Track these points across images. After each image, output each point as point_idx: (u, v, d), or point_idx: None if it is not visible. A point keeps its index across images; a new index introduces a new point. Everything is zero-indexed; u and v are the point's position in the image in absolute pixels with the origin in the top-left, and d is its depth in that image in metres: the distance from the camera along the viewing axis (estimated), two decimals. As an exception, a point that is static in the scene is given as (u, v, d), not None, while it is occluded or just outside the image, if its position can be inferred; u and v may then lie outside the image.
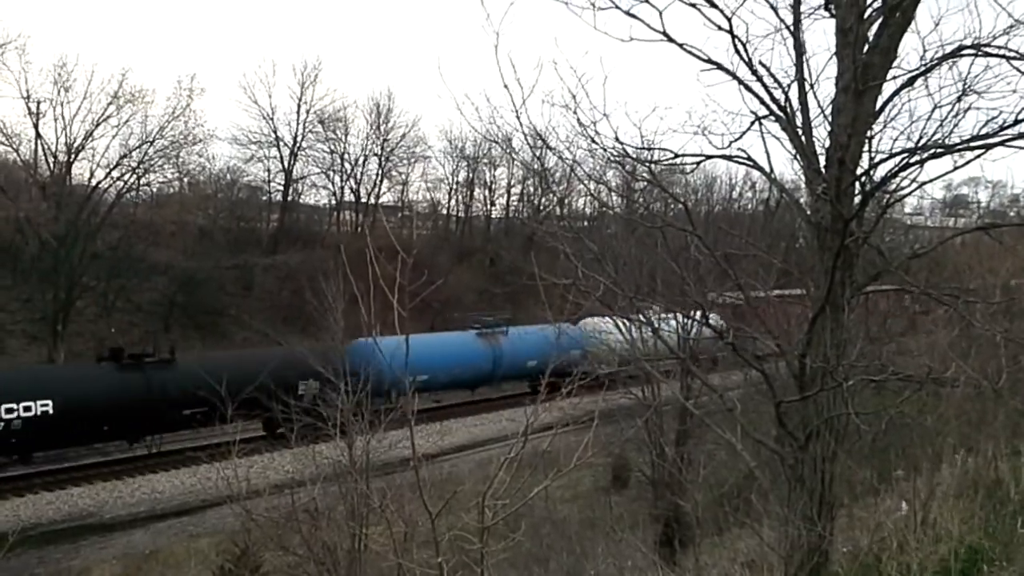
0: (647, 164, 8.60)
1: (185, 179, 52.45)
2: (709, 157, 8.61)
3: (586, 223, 44.14)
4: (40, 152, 44.91)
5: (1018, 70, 6.88)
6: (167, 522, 26.07)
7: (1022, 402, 10.78)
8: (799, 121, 8.01)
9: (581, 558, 16.00)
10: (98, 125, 44.23)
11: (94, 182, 45.45)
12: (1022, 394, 11.36)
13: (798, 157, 8.09)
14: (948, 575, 4.93)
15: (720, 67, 8.01)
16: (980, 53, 7.08)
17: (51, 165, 44.59)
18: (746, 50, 7.85)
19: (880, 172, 7.51)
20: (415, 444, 4.62)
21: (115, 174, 45.47)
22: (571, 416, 6.69)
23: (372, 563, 12.75)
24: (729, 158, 8.49)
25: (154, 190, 51.19)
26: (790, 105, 8.00)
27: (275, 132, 57.09)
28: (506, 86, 7.64)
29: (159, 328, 43.65)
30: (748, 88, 8.07)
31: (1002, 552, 5.01)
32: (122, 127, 44.96)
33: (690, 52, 7.97)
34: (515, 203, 69.84)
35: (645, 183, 10.30)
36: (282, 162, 58.14)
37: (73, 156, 44.42)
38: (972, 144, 7.09)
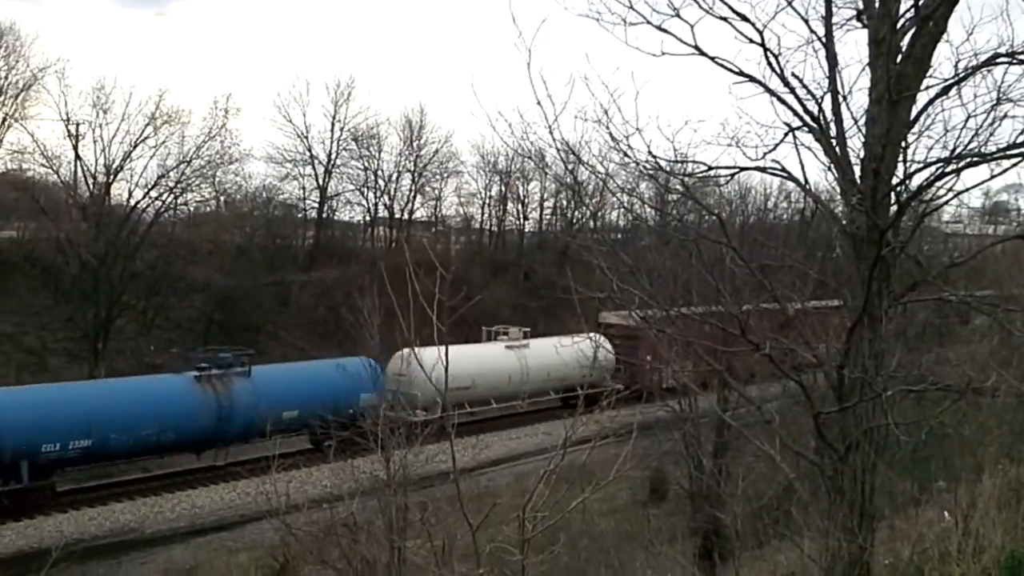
0: (680, 177, 8.64)
1: (222, 198, 53.09)
2: (743, 169, 8.64)
3: (619, 236, 44.08)
4: (80, 173, 45.69)
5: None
6: (207, 537, 26.31)
7: (1065, 411, 10.67)
8: (833, 132, 8.01)
9: (620, 571, 15.97)
10: (136, 146, 44.95)
11: (132, 202, 46.15)
12: (1065, 403, 11.23)
13: (832, 168, 8.09)
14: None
15: (752, 79, 8.04)
16: (1014, 61, 7.07)
17: (90, 186, 45.32)
18: (778, 62, 7.89)
19: (915, 182, 7.51)
20: (455, 457, 4.67)
21: (153, 194, 46.14)
22: (608, 429, 6.73)
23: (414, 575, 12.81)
24: (763, 170, 8.52)
25: (191, 209, 51.83)
26: (823, 116, 8.01)
27: (309, 150, 57.64)
28: (539, 102, 7.72)
29: (198, 345, 44.17)
30: (781, 100, 8.10)
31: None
32: (159, 147, 45.65)
33: (722, 65, 8.02)
34: (548, 217, 69.93)
35: (679, 195, 10.32)
36: (316, 180, 58.67)
37: (112, 177, 45.14)
38: (1009, 153, 7.07)
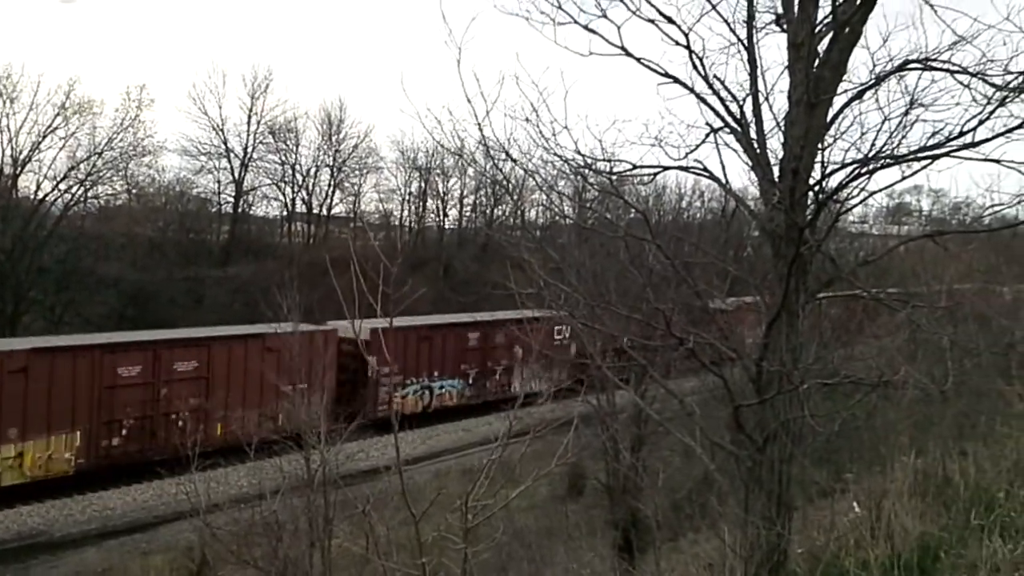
0: (607, 175, 8.79)
1: (134, 191, 51.91)
2: (667, 168, 8.82)
3: (539, 233, 44.25)
4: (-15, 165, 44.23)
5: (962, 84, 7.18)
6: (119, 539, 25.65)
7: (967, 404, 11.14)
8: (754, 133, 8.25)
9: (541, 566, 16.15)
10: (45, 137, 43.77)
11: (41, 195, 44.86)
12: (967, 397, 11.73)
13: (753, 168, 8.33)
14: (904, 567, 5.14)
15: (677, 81, 8.24)
16: (926, 67, 7.38)
17: (-4, 178, 43.92)
18: (702, 64, 8.09)
19: (832, 182, 7.77)
20: (399, 449, 4.72)
21: (62, 186, 45.00)
22: (535, 426, 6.83)
23: (336, 574, 12.79)
24: (686, 169, 8.71)
25: (102, 202, 50.63)
26: (745, 117, 8.24)
27: (225, 143, 56.74)
28: (469, 100, 7.81)
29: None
30: (704, 101, 8.31)
31: (957, 542, 5.24)
32: (69, 139, 44.53)
33: (648, 66, 8.19)
34: (468, 213, 70.02)
35: (598, 193, 10.48)
36: (232, 173, 57.74)
37: (19, 169, 43.83)
38: (919, 155, 7.39)
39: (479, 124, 7.94)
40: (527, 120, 8.19)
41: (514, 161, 8.54)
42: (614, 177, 9.04)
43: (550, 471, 4.99)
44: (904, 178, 7.81)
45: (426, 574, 4.45)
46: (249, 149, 57.54)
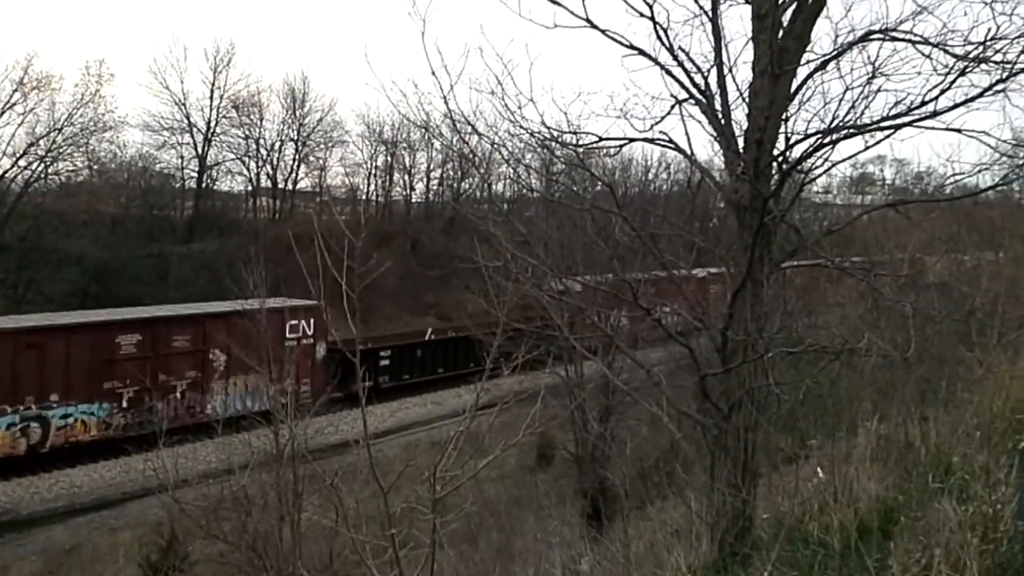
0: (572, 148, 8.81)
1: (95, 167, 51.12)
2: (632, 140, 8.84)
3: (506, 206, 44.33)
4: (-58, 142, 43.43)
5: (923, 54, 7.26)
6: (87, 516, 25.58)
7: (929, 370, 11.33)
8: (718, 104, 8.29)
9: (510, 535, 16.27)
10: (3, 113, 42.95)
11: (0, 171, 44.10)
12: (929, 363, 11.93)
13: (718, 139, 8.38)
14: (865, 530, 5.26)
15: (642, 52, 8.25)
16: (888, 38, 7.45)
17: (-47, 155, 43.15)
18: (667, 36, 8.11)
19: (796, 152, 7.84)
20: (366, 422, 4.74)
21: (22, 163, 44.23)
22: (503, 397, 6.88)
23: (305, 546, 12.83)
24: (651, 141, 8.74)
25: (63, 179, 49.78)
26: (709, 89, 8.28)
27: (188, 118, 55.88)
28: (433, 72, 7.80)
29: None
30: (669, 73, 8.33)
31: (916, 505, 5.36)
32: (28, 114, 43.74)
33: (612, 38, 8.20)
34: (435, 187, 69.72)
35: (565, 166, 10.50)
36: (195, 148, 56.93)
37: (-23, 145, 43.04)
38: (882, 125, 7.48)
39: (444, 97, 7.94)
40: (492, 93, 8.18)
41: (479, 135, 8.54)
42: (580, 150, 9.06)
43: (517, 441, 5.04)
44: (867, 148, 7.91)
45: (395, 545, 4.49)
46: (212, 124, 56.81)
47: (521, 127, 8.43)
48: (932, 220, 17.18)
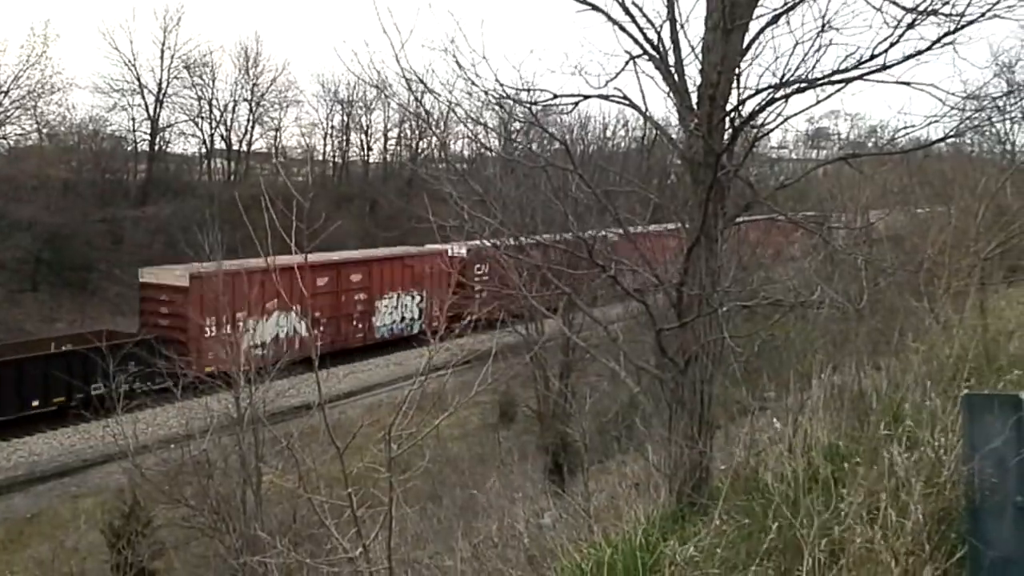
0: (527, 105, 8.77)
1: (44, 131, 50.09)
2: (587, 97, 8.80)
3: (465, 165, 44.13)
4: None
5: (874, 7, 7.29)
6: (48, 484, 25.46)
7: (881, 321, 11.53)
8: (672, 60, 8.28)
9: (474, 492, 16.41)
10: (-54, 76, 41.83)
11: (-55, 136, 43.11)
12: (881, 314, 12.14)
13: (671, 95, 8.37)
14: (819, 478, 5.38)
15: (595, 7, 8.20)
16: (839, -9, 7.46)
17: None
18: (620, -9, 8.05)
19: (748, 107, 7.86)
20: (321, 387, 4.74)
21: (-31, 127, 43.18)
22: (461, 357, 6.91)
23: (268, 508, 12.87)
24: (606, 97, 8.71)
25: (11, 143, 48.74)
26: (663, 44, 8.25)
27: (138, 79, 54.88)
28: (385, 31, 7.71)
29: (27, 287, 42.05)
30: (622, 28, 8.28)
31: (865, 454, 5.49)
32: (-28, 78, 42.62)
33: (565, -7, 8.14)
34: (392, 147, 69.20)
35: (523, 124, 10.47)
36: (147, 110, 56.06)
37: (-80, 110, 41.95)
38: (832, 79, 7.51)
39: (396, 56, 7.86)
40: (445, 51, 8.12)
41: (433, 94, 8.48)
42: (535, 107, 9.02)
43: (469, 399, 5.08)
44: (818, 102, 7.94)
45: (353, 504, 4.52)
46: (164, 85, 55.85)
47: (475, 85, 8.38)
48: (884, 173, 17.40)
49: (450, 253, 33.62)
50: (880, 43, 7.05)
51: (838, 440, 6.28)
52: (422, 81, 8.83)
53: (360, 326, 39.69)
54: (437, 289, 39.57)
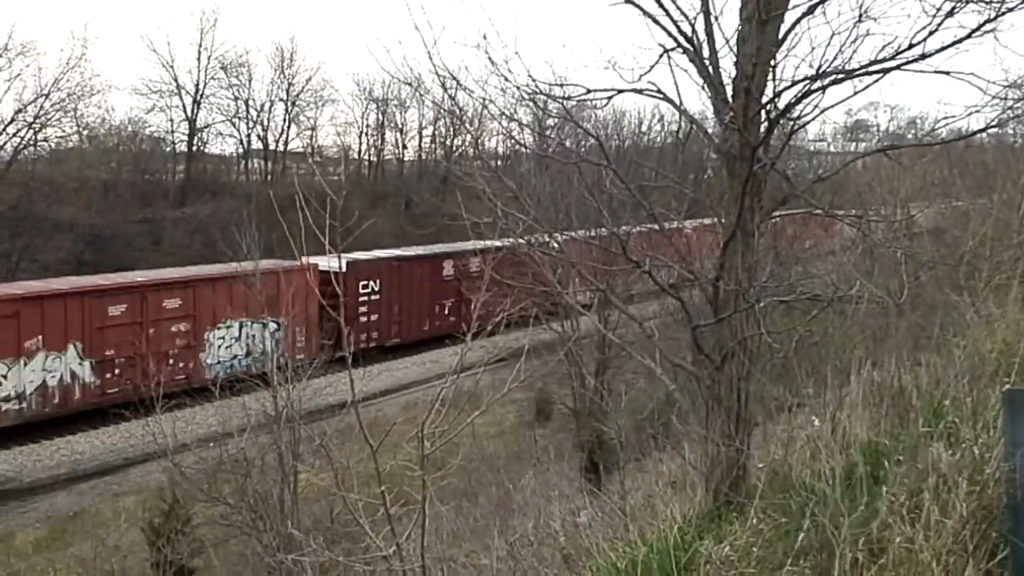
0: (560, 100, 8.71)
1: (84, 133, 50.85)
2: (620, 91, 8.73)
3: (499, 162, 44.17)
4: (-71, 111, 43.12)
5: (913, -5, 7.15)
6: (90, 482, 25.77)
7: (922, 316, 11.34)
8: (706, 52, 8.18)
9: (509, 490, 16.38)
10: (-12, 79, 42.58)
11: (-12, 139, 43.88)
12: (921, 308, 11.95)
13: (706, 88, 8.28)
14: (858, 476, 5.28)
15: (628, 1, 8.13)
16: (876, -21, 7.32)
17: (-59, 124, 42.85)
18: (652, -18, 7.97)
19: (784, 100, 7.76)
20: (354, 384, 4.74)
21: (10, 130, 43.96)
22: (495, 354, 6.88)
23: (306, 506, 12.93)
24: (640, 91, 8.63)
25: (52, 145, 49.54)
26: (697, 37, 8.16)
27: (176, 80, 55.52)
28: (417, 27, 7.69)
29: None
30: (656, 21, 8.20)
31: (905, 451, 5.38)
32: (14, 81, 43.40)
33: (598, -13, 8.08)
34: (427, 145, 69.39)
35: (557, 120, 10.42)
36: (185, 111, 56.67)
37: (-36, 114, 42.72)
38: (870, 69, 7.38)
39: (428, 52, 7.84)
40: (477, 47, 8.08)
41: (466, 90, 8.45)
42: (568, 102, 8.96)
43: (502, 395, 5.04)
44: (856, 93, 7.80)
45: (386, 502, 4.50)
46: (201, 86, 56.46)
47: (508, 81, 8.34)
48: (924, 165, 17.11)
49: (322, 268, 28.93)
50: (919, 32, 6.92)
51: (877, 437, 6.16)
52: (455, 78, 8.81)
53: (182, 366, 30.99)
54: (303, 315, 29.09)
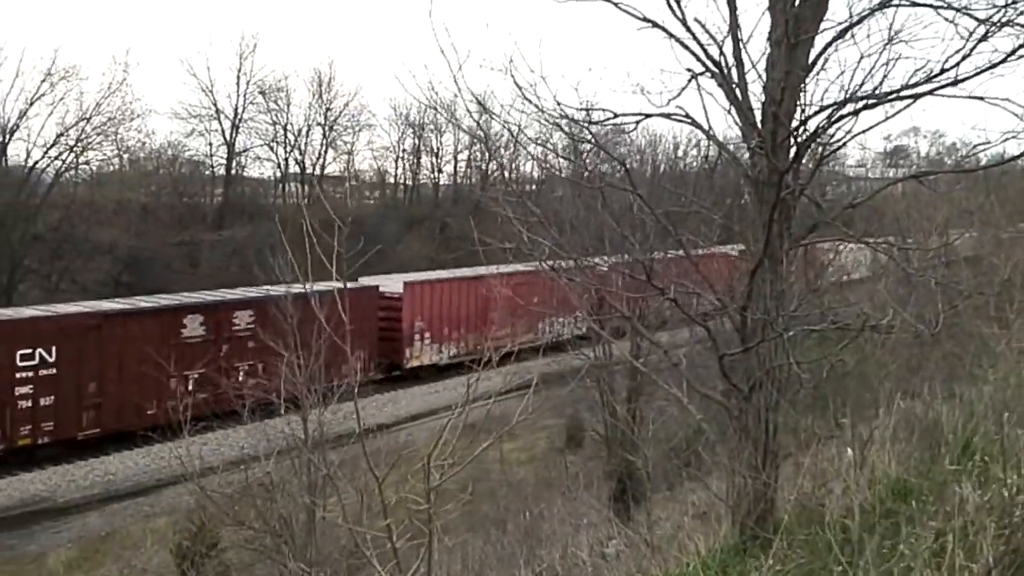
0: (586, 124, 8.63)
1: (125, 156, 51.65)
2: (648, 116, 8.63)
3: (534, 187, 44.16)
4: (-27, 134, 43.97)
5: (946, 19, 7.00)
6: (122, 503, 25.88)
7: (957, 345, 11.06)
8: (734, 77, 8.06)
9: (538, 518, 16.22)
10: (32, 104, 43.51)
11: (31, 162, 44.60)
12: (957, 339, 11.66)
13: (734, 112, 8.15)
14: (886, 513, 5.10)
15: (656, 25, 8.03)
16: (908, 3, 7.19)
17: (-15, 147, 43.69)
18: (679, 7, 7.88)
19: (813, 124, 7.61)
20: (359, 414, 4.65)
21: (52, 153, 44.74)
22: (520, 380, 6.76)
23: (330, 532, 12.83)
24: (668, 116, 8.51)
25: (93, 169, 50.37)
26: (725, 61, 8.04)
27: (215, 104, 56.26)
28: (442, 51, 7.65)
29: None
30: (684, 46, 8.10)
31: (932, 488, 5.18)
32: (57, 105, 44.19)
33: (625, 11, 8.00)
34: (463, 169, 69.68)
35: (573, 143, 10.32)
36: (223, 135, 57.37)
37: (8, 137, 43.55)
38: (902, 94, 7.21)
39: (454, 76, 7.79)
40: (504, 71, 8.02)
41: (490, 114, 8.37)
42: (595, 127, 8.87)
43: (508, 429, 4.92)
44: (887, 118, 7.63)
45: (392, 536, 4.40)
46: (240, 110, 57.20)
47: (532, 104, 8.26)
48: (961, 192, 16.80)
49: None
50: (951, 56, 6.75)
51: (906, 473, 5.96)
52: (480, 102, 8.77)
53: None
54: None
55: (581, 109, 8.68)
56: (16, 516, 24.49)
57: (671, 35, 8.08)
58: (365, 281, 34.21)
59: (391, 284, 36.80)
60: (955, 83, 6.91)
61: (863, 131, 8.14)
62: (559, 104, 8.33)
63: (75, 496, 26.13)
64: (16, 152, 45.63)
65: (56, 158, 45.11)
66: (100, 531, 23.96)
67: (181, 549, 16.68)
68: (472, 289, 39.20)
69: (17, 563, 21.91)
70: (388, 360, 36.18)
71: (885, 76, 7.28)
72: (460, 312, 39.30)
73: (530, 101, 8.26)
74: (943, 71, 6.83)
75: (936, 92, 7.05)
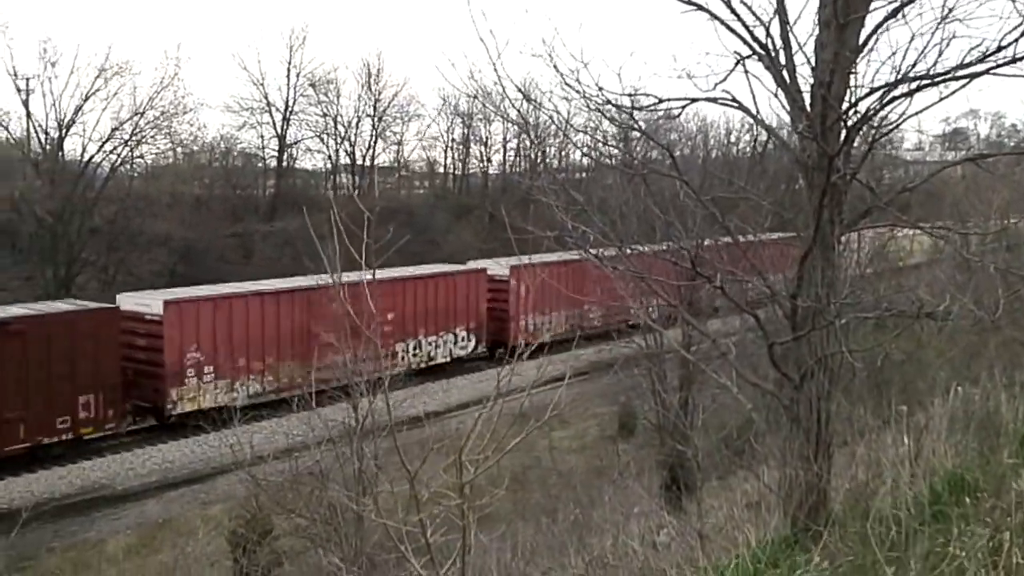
0: (629, 111, 8.48)
1: (178, 149, 52.39)
2: (694, 100, 8.44)
3: (583, 175, 43.92)
4: (31, 129, 44.87)
5: (1004, -6, 6.73)
6: (179, 491, 26.35)
7: (1019, 332, 10.73)
8: (782, 59, 7.86)
9: (588, 507, 16.12)
10: (87, 99, 44.21)
11: (87, 157, 45.45)
12: (1020, 324, 11.31)
13: (782, 96, 7.95)
14: (941, 505, 4.93)
15: (701, 7, 7.86)
16: (961, -21, 6.93)
17: (42, 142, 44.58)
18: (725, -12, 7.69)
19: (864, 106, 7.38)
20: (390, 405, 4.61)
21: (107, 147, 45.59)
22: (567, 369, 6.68)
23: (376, 522, 12.88)
24: (714, 100, 8.32)
25: (148, 162, 51.25)
26: (772, 43, 7.84)
27: (266, 97, 56.79)
28: (481, 39, 7.56)
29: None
30: (730, 28, 7.91)
31: (990, 482, 5.00)
32: (111, 100, 44.96)
33: (668, -7, 7.84)
34: (511, 158, 69.58)
35: (622, 129, 10.15)
36: (275, 128, 57.92)
37: (64, 132, 44.42)
38: (957, 74, 6.96)
39: (493, 64, 7.70)
40: (545, 57, 7.91)
41: (531, 102, 8.28)
42: (640, 112, 8.71)
43: (539, 424, 4.83)
44: (942, 99, 7.35)
45: (425, 531, 4.35)
46: (290, 103, 57.69)
47: (577, 92, 8.14)
48: (1021, 173, 16.32)
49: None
50: (1009, 32, 6.49)
51: (962, 466, 5.76)
52: (522, 92, 8.68)
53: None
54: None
55: (624, 94, 8.53)
56: (77, 503, 25.05)
57: (716, 17, 7.89)
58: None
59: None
60: (1013, 61, 6.65)
61: (916, 113, 7.89)
62: (601, 90, 8.20)
63: (133, 484, 26.66)
64: (72, 147, 46.76)
65: (111, 152, 45.94)
66: (157, 518, 24.39)
67: (235, 536, 16.87)
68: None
69: (78, 549, 22.37)
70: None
71: (939, 56, 7.02)
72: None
73: (572, 88, 8.14)
74: (1000, 49, 6.57)
75: (993, 71, 6.78)
